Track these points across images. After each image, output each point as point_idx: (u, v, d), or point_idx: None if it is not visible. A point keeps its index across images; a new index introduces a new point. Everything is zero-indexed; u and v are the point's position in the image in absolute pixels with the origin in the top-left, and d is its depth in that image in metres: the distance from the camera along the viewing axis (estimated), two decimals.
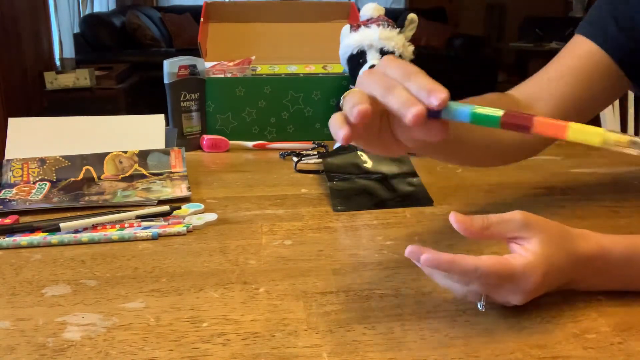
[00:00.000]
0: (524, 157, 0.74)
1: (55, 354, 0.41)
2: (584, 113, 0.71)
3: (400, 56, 0.97)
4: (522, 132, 0.43)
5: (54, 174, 0.80)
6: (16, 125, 0.86)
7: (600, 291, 0.49)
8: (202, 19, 1.23)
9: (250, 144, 1.03)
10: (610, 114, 1.41)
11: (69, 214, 0.68)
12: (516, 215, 0.46)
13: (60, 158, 0.81)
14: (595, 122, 1.46)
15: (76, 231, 0.63)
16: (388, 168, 0.79)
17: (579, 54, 0.71)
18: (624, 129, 1.44)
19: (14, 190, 0.76)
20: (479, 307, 0.46)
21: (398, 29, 0.98)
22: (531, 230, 0.46)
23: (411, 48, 0.99)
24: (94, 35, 4.56)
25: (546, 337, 0.43)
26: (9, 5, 3.19)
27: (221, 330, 0.44)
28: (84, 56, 4.31)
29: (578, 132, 0.40)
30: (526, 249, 0.46)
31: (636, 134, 1.48)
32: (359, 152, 0.82)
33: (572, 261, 0.47)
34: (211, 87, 1.04)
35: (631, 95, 1.45)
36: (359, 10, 1.06)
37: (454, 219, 0.46)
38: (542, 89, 0.72)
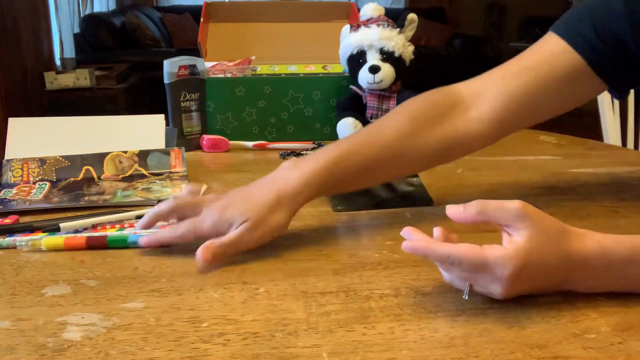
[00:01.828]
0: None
1: (55, 354, 0.41)
2: (541, 112, 0.70)
3: (400, 56, 0.97)
4: None
5: (54, 174, 0.80)
6: (16, 125, 0.86)
7: (601, 292, 0.49)
8: (202, 19, 1.23)
9: (250, 144, 1.03)
10: (610, 114, 1.41)
11: (69, 214, 0.68)
12: (514, 204, 0.46)
13: (60, 158, 0.81)
14: (595, 121, 1.46)
15: (76, 231, 0.63)
16: None
17: (550, 53, 0.69)
18: (624, 129, 1.44)
19: (14, 190, 0.76)
20: (463, 295, 0.47)
21: (398, 29, 0.98)
22: (524, 222, 0.46)
23: (411, 48, 0.99)
24: (94, 35, 4.56)
25: (546, 337, 0.43)
26: (9, 5, 3.19)
27: (221, 330, 0.44)
28: (84, 56, 4.31)
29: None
30: (510, 240, 0.46)
31: (636, 133, 1.48)
32: None
33: (565, 260, 0.47)
34: (211, 87, 1.04)
35: (631, 96, 1.45)
36: (359, 10, 1.06)
37: (448, 212, 0.49)
38: (492, 86, 0.70)
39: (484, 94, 0.69)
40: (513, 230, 0.46)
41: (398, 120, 0.68)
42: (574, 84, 0.68)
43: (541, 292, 0.49)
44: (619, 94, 0.71)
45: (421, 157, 0.68)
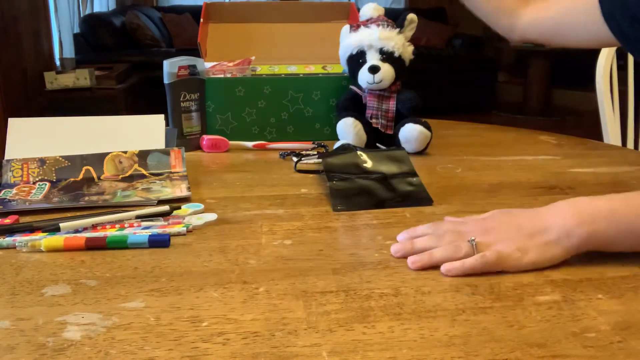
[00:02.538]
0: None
1: (55, 354, 0.41)
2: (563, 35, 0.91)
3: (399, 56, 0.97)
4: None
5: (54, 174, 0.80)
6: (16, 125, 0.86)
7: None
8: (202, 19, 1.23)
9: (250, 144, 1.03)
10: (610, 114, 1.41)
11: (69, 214, 0.68)
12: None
13: (60, 158, 0.81)
14: (595, 121, 1.46)
15: (76, 231, 0.63)
16: (388, 168, 0.79)
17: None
18: (624, 129, 1.44)
19: (14, 190, 0.76)
20: (472, 242, 0.55)
21: (398, 29, 0.98)
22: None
23: (411, 48, 0.99)
24: (94, 35, 4.56)
25: (546, 336, 0.43)
26: (9, 5, 3.19)
27: (221, 329, 0.44)
28: (84, 56, 4.31)
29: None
30: None
31: (636, 133, 1.48)
32: (358, 152, 0.82)
33: (535, 210, 0.57)
34: (211, 87, 1.04)
35: (631, 96, 1.45)
36: (358, 10, 1.06)
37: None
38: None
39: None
40: None
41: None
42: (588, 25, 0.84)
43: (532, 243, 0.55)
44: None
45: None
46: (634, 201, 0.55)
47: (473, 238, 0.55)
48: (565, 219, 0.55)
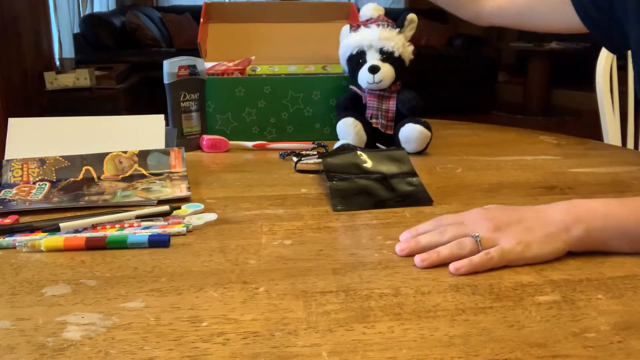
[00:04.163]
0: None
1: (55, 354, 0.41)
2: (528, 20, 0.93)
3: (400, 56, 0.97)
4: None
5: (54, 174, 0.80)
6: (16, 126, 0.86)
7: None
8: (202, 19, 1.23)
9: (250, 144, 1.03)
10: (610, 114, 1.41)
11: (69, 214, 0.68)
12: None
13: (60, 158, 0.81)
14: (595, 121, 1.46)
15: (76, 231, 0.63)
16: (388, 168, 0.79)
17: None
18: (624, 129, 1.44)
19: (14, 190, 0.76)
20: (476, 239, 0.56)
21: (398, 29, 0.98)
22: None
23: (411, 48, 0.99)
24: (94, 35, 4.56)
25: (546, 336, 0.43)
26: (9, 5, 3.19)
27: (221, 329, 0.44)
28: (84, 56, 4.31)
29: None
30: None
31: (636, 133, 1.48)
32: (358, 152, 0.82)
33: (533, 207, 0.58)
34: (211, 87, 1.04)
35: (631, 96, 1.45)
36: (358, 10, 1.06)
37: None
38: None
39: None
40: None
41: None
42: (558, 19, 0.87)
43: (535, 234, 0.56)
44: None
45: None
46: (630, 203, 0.57)
47: (477, 234, 0.56)
48: (563, 215, 0.57)
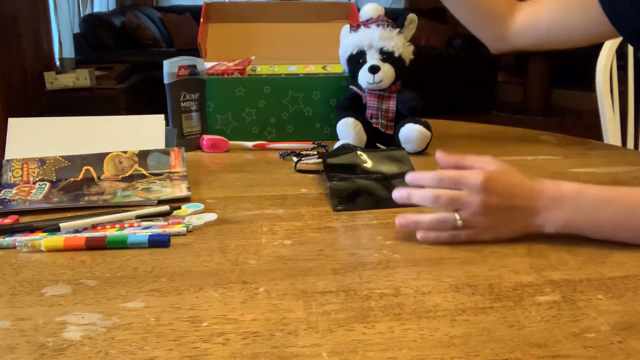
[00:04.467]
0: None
1: (55, 354, 0.41)
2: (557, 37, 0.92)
3: (400, 56, 0.97)
4: None
5: (54, 174, 0.80)
6: (16, 125, 0.86)
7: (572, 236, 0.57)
8: (202, 19, 1.23)
9: (250, 144, 1.03)
10: (610, 114, 1.41)
11: (69, 214, 0.68)
12: (487, 157, 0.61)
13: (60, 158, 0.81)
14: (595, 121, 1.46)
15: (76, 231, 0.63)
16: (388, 168, 0.79)
17: None
18: (624, 129, 1.44)
19: (14, 190, 0.76)
20: (457, 222, 0.58)
21: (398, 29, 0.98)
22: (493, 161, 0.61)
23: (411, 48, 0.99)
24: (94, 35, 4.56)
25: (546, 337, 0.43)
26: (9, 5, 3.19)
27: (221, 329, 0.44)
28: (84, 56, 4.31)
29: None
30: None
31: (636, 133, 1.48)
32: (358, 152, 0.82)
33: (538, 189, 0.58)
34: (211, 87, 1.04)
35: (631, 96, 1.45)
36: (359, 10, 1.06)
37: (438, 156, 0.63)
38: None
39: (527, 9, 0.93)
40: (485, 166, 0.60)
41: None
42: (585, 20, 0.85)
43: (512, 222, 0.59)
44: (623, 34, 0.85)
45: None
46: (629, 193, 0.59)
47: (459, 218, 0.59)
48: (553, 210, 0.58)
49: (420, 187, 0.62)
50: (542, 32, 0.93)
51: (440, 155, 0.64)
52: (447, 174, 0.61)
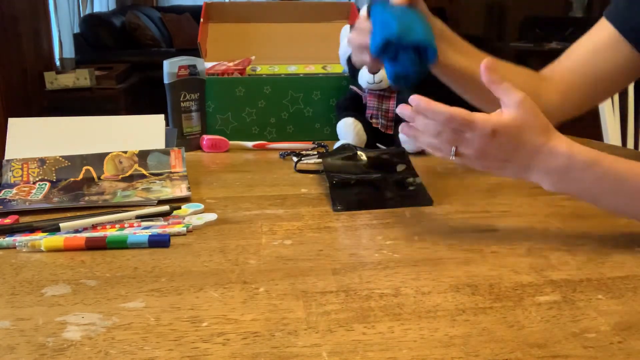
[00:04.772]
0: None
1: (55, 354, 0.41)
2: (599, 87, 0.82)
3: None
4: None
5: (54, 174, 0.80)
6: (16, 125, 0.86)
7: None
8: (202, 19, 1.23)
9: (250, 144, 1.03)
10: (610, 114, 1.41)
11: (69, 214, 0.68)
12: (519, 93, 0.57)
13: (60, 158, 0.81)
14: (595, 121, 1.46)
15: (76, 231, 0.63)
16: (388, 168, 0.79)
17: (598, 37, 0.79)
18: (624, 129, 1.44)
19: (14, 190, 0.76)
20: (451, 157, 0.59)
21: None
22: (518, 109, 0.57)
23: None
24: (94, 35, 4.56)
25: (546, 337, 0.43)
26: (9, 5, 3.19)
27: (221, 329, 0.44)
28: (84, 56, 4.31)
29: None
30: (500, 113, 0.58)
31: (636, 134, 1.48)
32: (358, 152, 0.82)
33: (535, 148, 0.56)
34: (211, 87, 1.04)
35: (631, 96, 1.45)
36: (359, 10, 1.06)
37: (484, 64, 0.59)
38: (561, 71, 0.83)
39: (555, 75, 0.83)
40: (506, 107, 0.57)
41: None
42: (621, 63, 0.79)
43: (505, 170, 0.59)
44: None
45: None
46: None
47: (454, 154, 0.59)
48: (549, 176, 0.58)
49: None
50: (583, 94, 0.83)
51: (484, 67, 0.59)
52: (458, 117, 0.57)
